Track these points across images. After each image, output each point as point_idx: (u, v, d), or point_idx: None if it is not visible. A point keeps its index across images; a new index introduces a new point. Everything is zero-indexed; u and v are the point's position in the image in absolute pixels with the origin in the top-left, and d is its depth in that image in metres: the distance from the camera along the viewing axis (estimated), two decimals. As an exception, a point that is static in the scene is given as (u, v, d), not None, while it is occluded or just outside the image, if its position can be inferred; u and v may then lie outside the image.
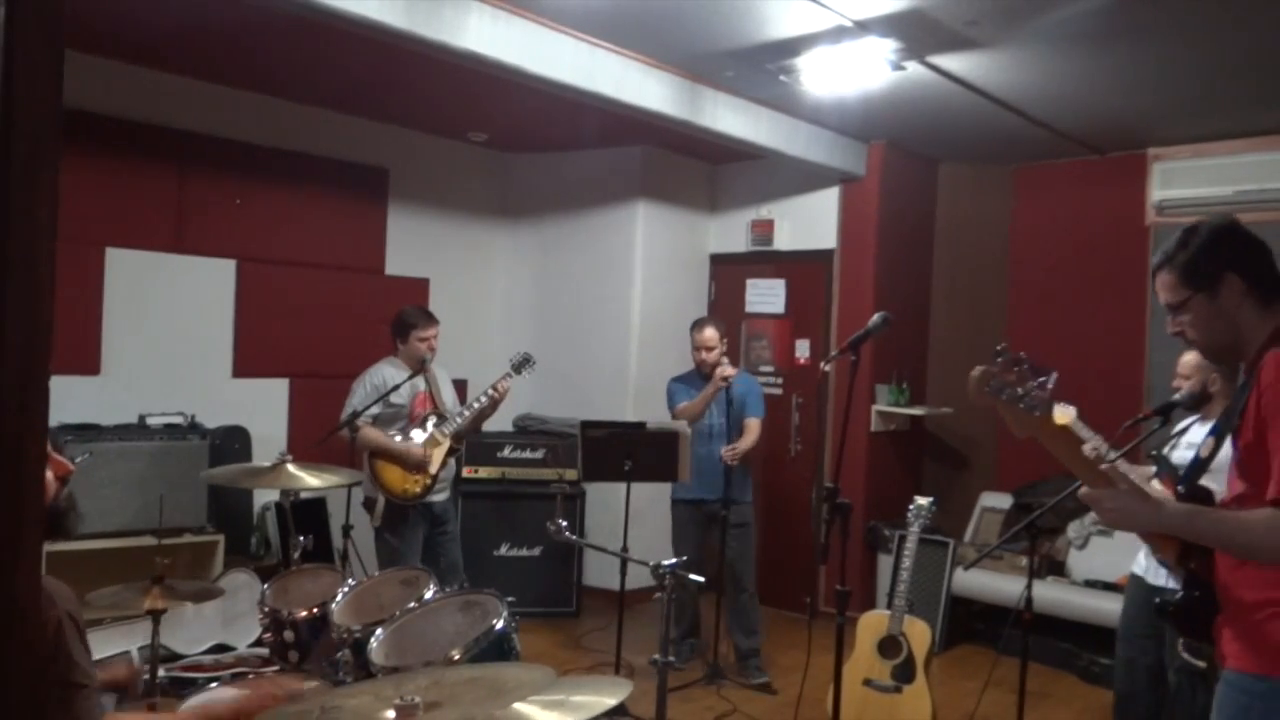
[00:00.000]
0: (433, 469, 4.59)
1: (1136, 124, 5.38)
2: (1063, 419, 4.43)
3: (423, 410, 4.67)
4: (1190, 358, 3.63)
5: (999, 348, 1.78)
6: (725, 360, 4.88)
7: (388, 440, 4.55)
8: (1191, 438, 3.57)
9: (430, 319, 4.71)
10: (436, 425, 4.63)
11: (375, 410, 4.55)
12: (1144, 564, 3.71)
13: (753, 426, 5.02)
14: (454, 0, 3.82)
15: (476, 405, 4.64)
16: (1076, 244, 6.11)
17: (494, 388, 4.59)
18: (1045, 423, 1.80)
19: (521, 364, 4.74)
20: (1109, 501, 1.86)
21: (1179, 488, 2.01)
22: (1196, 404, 3.50)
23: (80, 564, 4.19)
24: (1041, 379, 1.77)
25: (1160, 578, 3.57)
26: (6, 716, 0.80)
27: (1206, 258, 1.89)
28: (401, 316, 4.72)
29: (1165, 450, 3.53)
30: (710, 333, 4.96)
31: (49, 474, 1.97)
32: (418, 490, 4.57)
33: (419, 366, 4.63)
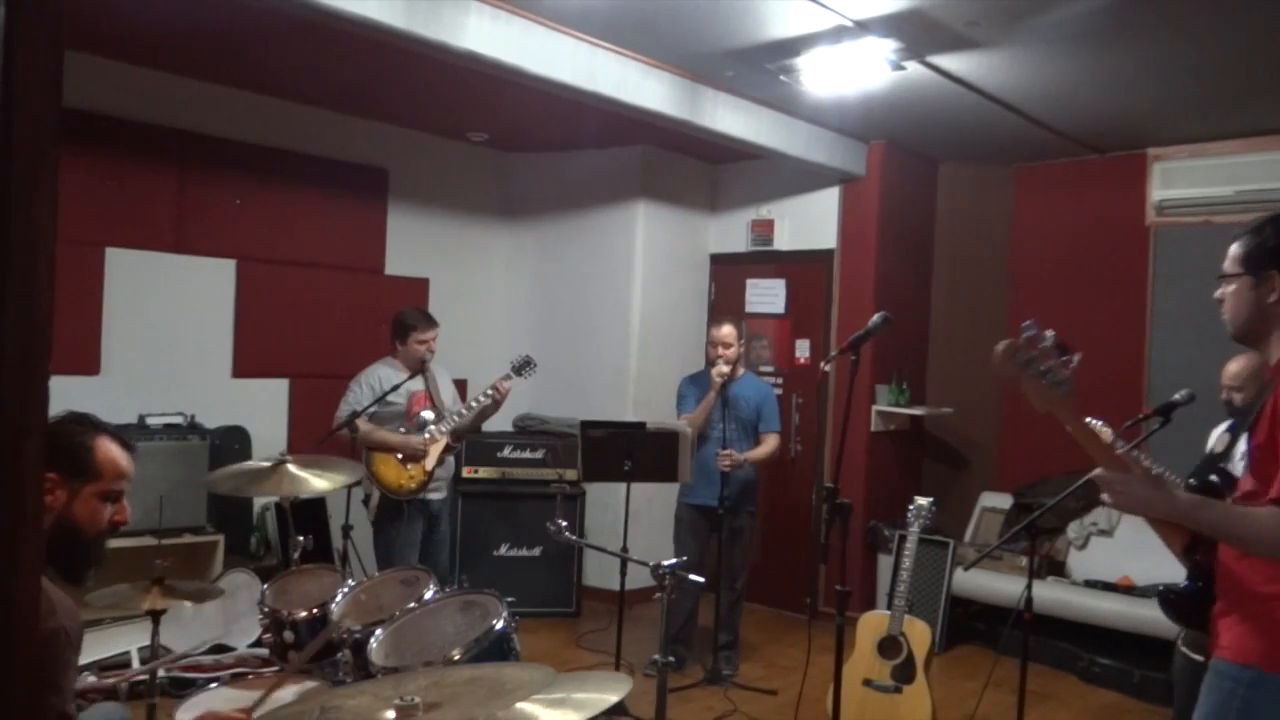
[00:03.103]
0: (429, 464, 4.59)
1: (1136, 124, 5.38)
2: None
3: (419, 410, 4.67)
4: (1236, 367, 3.58)
5: (1026, 323, 1.80)
6: (721, 360, 4.85)
7: (387, 433, 4.56)
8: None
9: (430, 321, 4.71)
10: (434, 422, 4.63)
11: (372, 410, 4.55)
12: None
13: (771, 441, 5.00)
14: (454, 0, 3.82)
15: (476, 404, 4.64)
16: (1077, 244, 6.10)
17: (495, 387, 4.59)
18: (1066, 401, 1.82)
19: (522, 366, 4.73)
20: (1121, 485, 1.87)
21: (1190, 480, 2.03)
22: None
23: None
24: (1065, 357, 1.78)
25: None
26: (6, 717, 0.80)
27: (1265, 250, 1.94)
28: (401, 318, 4.72)
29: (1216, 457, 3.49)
30: (727, 330, 4.90)
31: (105, 514, 1.87)
32: (413, 486, 4.57)
33: (418, 367, 4.63)
